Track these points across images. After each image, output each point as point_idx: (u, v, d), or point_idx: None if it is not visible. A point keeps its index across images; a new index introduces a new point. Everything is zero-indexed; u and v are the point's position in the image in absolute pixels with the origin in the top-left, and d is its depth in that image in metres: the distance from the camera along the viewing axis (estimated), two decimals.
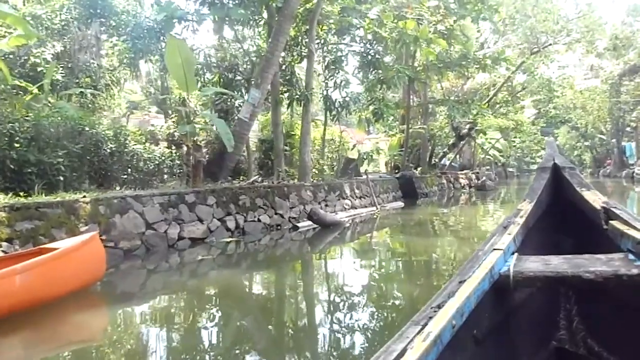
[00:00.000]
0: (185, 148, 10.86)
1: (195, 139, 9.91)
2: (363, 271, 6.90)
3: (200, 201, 8.39)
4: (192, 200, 8.24)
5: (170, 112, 15.47)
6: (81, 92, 11.53)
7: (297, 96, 12.28)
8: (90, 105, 14.11)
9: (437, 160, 24.97)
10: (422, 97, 22.74)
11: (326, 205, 11.62)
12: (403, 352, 1.08)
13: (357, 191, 13.49)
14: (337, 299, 5.32)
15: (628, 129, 34.30)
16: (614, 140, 37.43)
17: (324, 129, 15.08)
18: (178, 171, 11.18)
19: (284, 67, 13.45)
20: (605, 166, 39.49)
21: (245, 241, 8.94)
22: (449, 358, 1.20)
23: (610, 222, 1.94)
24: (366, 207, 13.42)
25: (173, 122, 12.23)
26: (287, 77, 13.20)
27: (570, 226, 2.46)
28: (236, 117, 12.14)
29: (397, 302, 5.30)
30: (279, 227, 9.86)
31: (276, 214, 9.90)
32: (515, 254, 1.78)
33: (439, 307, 1.30)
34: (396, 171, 21.26)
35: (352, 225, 11.15)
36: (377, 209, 12.97)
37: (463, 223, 12.18)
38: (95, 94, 13.01)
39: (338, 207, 12.10)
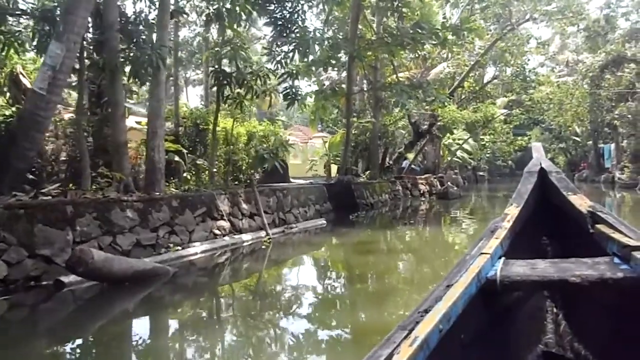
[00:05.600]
0: None
1: None
2: None
3: None
4: None
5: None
6: None
7: (141, 59, 7.69)
8: None
9: (391, 162, 20.69)
10: (373, 84, 18.48)
11: (170, 233, 7.09)
12: (389, 357, 1.06)
13: (245, 207, 8.97)
14: None
15: (606, 129, 30.97)
16: (590, 142, 34.19)
17: (216, 114, 10.53)
18: None
19: (131, 17, 8.84)
20: (580, 170, 36.33)
21: None
22: None
23: (596, 225, 1.94)
24: (261, 229, 8.96)
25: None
26: (133, 34, 8.52)
27: (557, 230, 2.46)
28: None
29: None
30: (35, 283, 5.24)
31: (32, 256, 5.30)
32: (503, 258, 1.76)
33: (426, 311, 1.28)
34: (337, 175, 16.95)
35: (202, 270, 6.65)
36: (267, 234, 8.46)
37: (398, 275, 7.86)
38: None
39: (199, 234, 7.58)
